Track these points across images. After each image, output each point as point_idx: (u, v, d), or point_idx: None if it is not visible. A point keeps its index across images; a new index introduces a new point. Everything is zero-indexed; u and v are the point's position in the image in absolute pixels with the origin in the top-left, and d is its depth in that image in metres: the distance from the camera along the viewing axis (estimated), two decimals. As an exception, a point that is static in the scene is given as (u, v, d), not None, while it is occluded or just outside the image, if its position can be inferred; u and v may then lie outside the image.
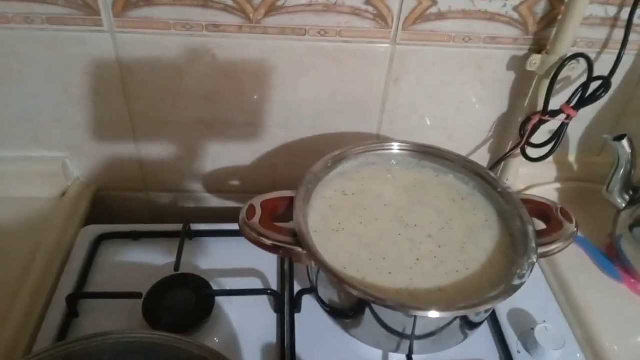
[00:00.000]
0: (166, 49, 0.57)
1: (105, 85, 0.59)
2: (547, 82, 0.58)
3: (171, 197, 0.73)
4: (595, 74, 0.58)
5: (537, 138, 0.63)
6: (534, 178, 0.71)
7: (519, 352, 0.51)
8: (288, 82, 0.61)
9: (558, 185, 0.72)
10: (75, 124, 0.63)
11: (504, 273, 0.44)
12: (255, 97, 0.62)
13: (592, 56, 0.59)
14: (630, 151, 0.58)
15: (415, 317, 0.41)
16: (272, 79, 0.60)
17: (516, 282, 0.41)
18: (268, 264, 0.59)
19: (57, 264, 0.57)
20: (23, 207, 0.64)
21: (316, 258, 0.42)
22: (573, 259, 0.63)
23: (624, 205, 0.61)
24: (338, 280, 0.41)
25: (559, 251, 0.46)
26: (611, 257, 0.64)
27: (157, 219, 0.73)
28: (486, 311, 0.47)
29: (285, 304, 0.54)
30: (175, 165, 0.69)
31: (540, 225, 0.49)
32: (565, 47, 0.57)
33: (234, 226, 0.62)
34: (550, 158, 0.71)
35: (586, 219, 0.67)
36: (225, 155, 0.68)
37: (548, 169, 0.72)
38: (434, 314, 0.38)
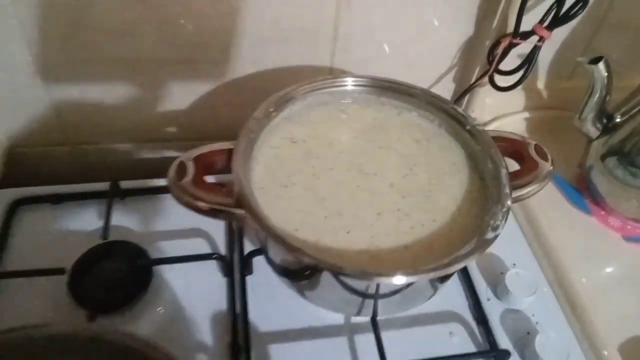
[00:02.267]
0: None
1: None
2: (520, -2, 0.51)
3: (99, 150, 0.63)
4: (571, -13, 0.51)
5: (505, 64, 0.56)
6: (500, 108, 0.66)
7: (488, 299, 0.48)
8: (222, 6, 0.51)
9: (526, 114, 0.67)
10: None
11: (475, 223, 0.39)
12: (187, 26, 0.52)
13: (568, -34, 0.52)
14: (606, 74, 0.53)
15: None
16: (201, 3, 0.50)
17: (489, 235, 0.36)
18: (214, 223, 0.52)
19: (-35, 239, 0.49)
20: None
21: (261, 223, 0.36)
22: (541, 193, 0.59)
23: (597, 134, 0.56)
24: (287, 248, 0.35)
25: (534, 193, 0.41)
26: (580, 189, 0.61)
27: (85, 177, 0.64)
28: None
29: (235, 267, 0.48)
30: (99, 114, 0.59)
31: (513, 164, 0.44)
32: (540, -44, 0.49)
33: (172, 181, 0.55)
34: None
35: (555, 149, 0.62)
36: (156, 98, 0.59)
37: (516, 98, 0.66)
38: (399, 279, 0.33)
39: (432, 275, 0.34)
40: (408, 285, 0.39)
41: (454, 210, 0.40)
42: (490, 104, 0.64)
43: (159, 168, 0.65)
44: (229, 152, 0.41)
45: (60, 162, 0.63)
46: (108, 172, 0.65)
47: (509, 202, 0.38)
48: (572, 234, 0.56)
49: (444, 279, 0.42)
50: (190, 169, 0.39)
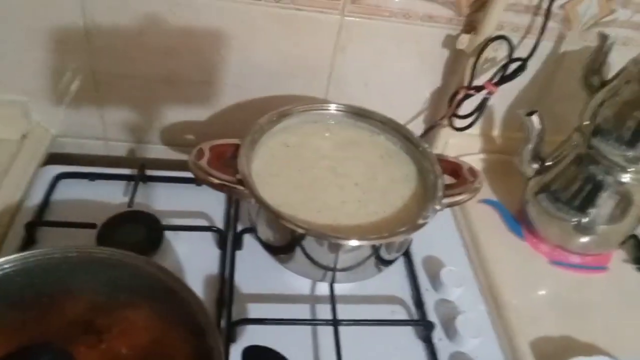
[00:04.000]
0: (128, 6, 0.61)
1: (68, 33, 0.63)
2: (473, 59, 0.66)
3: (129, 146, 0.77)
4: (517, 56, 0.66)
5: (463, 111, 0.71)
6: (461, 149, 0.79)
7: (427, 289, 0.60)
8: (243, 43, 0.66)
9: (482, 156, 0.80)
10: (38, 70, 0.66)
11: (414, 217, 0.51)
12: (213, 55, 0.66)
13: (516, 40, 0.67)
14: (540, 127, 0.67)
15: (338, 246, 0.48)
16: (228, 39, 0.65)
17: (420, 221, 0.49)
18: (216, 208, 0.65)
19: (16, 198, 0.61)
20: (-18, 147, 0.67)
21: (255, 196, 0.49)
22: (486, 219, 0.72)
23: (532, 174, 0.70)
24: (274, 214, 0.47)
25: (464, 201, 0.55)
26: (519, 219, 0.73)
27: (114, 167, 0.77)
28: (398, 249, 0.55)
29: (228, 242, 0.60)
30: (135, 117, 0.73)
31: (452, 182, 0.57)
32: (490, 29, 0.64)
33: (186, 174, 0.67)
34: (477, 131, 0.80)
35: (503, 186, 0.77)
36: (181, 110, 0.73)
37: (474, 142, 0.80)
38: (353, 242, 0.46)
39: (376, 242, 0.46)
40: (359, 263, 0.51)
41: (400, 207, 0.53)
42: (452, 144, 0.78)
43: (176, 168, 0.78)
44: (236, 147, 0.54)
45: (96, 153, 0.76)
46: (133, 165, 0.78)
47: (439, 202, 0.51)
48: (506, 252, 0.68)
49: (386, 262, 0.54)
50: (207, 154, 0.52)
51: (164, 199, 0.65)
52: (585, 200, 0.65)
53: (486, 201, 0.74)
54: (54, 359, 0.34)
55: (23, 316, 0.41)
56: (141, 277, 0.44)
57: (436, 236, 0.65)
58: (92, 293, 0.44)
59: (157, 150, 0.78)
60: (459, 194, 0.54)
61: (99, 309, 0.44)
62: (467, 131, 0.73)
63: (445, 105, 0.73)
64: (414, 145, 0.59)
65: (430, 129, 0.74)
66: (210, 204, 0.65)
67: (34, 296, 0.42)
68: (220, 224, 0.63)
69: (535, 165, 0.69)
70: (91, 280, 0.44)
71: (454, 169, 0.57)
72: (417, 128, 0.78)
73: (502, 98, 0.77)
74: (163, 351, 0.43)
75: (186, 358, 0.42)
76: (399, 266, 0.61)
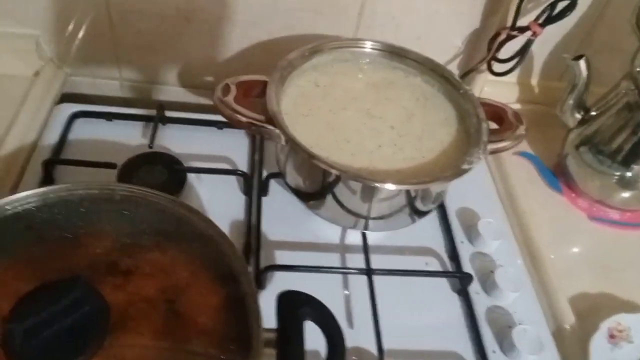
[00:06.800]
0: None
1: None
2: (518, -3, 0.60)
3: (145, 87, 0.73)
4: (565, -5, 0.60)
5: (502, 55, 0.66)
6: (497, 97, 0.73)
7: (462, 242, 0.57)
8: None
9: (519, 106, 0.76)
10: (51, 2, 0.62)
11: (455, 163, 0.48)
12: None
13: (564, -23, 0.61)
14: (586, 72, 0.62)
15: (373, 191, 0.45)
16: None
17: (465, 166, 0.45)
18: (239, 152, 0.62)
19: (31, 136, 0.59)
20: (-5, 83, 0.63)
21: (287, 135, 0.45)
22: (522, 172, 0.68)
23: (574, 124, 0.65)
24: (306, 154, 0.44)
25: (508, 148, 0.51)
26: (557, 173, 0.69)
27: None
28: (434, 199, 0.52)
29: (254, 187, 0.58)
30: (151, 56, 0.69)
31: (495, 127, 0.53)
32: (539, -36, 0.59)
33: (207, 116, 0.64)
34: (514, 80, 0.75)
35: (540, 139, 0.73)
36: (200, 49, 0.68)
37: (511, 90, 0.75)
38: (390, 186, 0.42)
39: (414, 187, 0.43)
40: (393, 212, 0.48)
41: (439, 152, 0.49)
42: (488, 92, 0.73)
43: (194, 111, 0.74)
44: (265, 83, 0.50)
45: (111, 93, 0.73)
46: (149, 107, 0.74)
47: (484, 147, 0.47)
48: (542, 206, 0.64)
49: (421, 213, 0.51)
50: (233, 90, 0.49)
51: (184, 142, 0.62)
52: (631, 152, 0.61)
53: (522, 154, 0.70)
54: (82, 296, 0.31)
55: (47, 252, 0.38)
56: (167, 218, 0.42)
57: (471, 188, 0.61)
58: (116, 233, 0.41)
59: (175, 93, 0.74)
60: (503, 140, 0.50)
61: (124, 250, 0.41)
62: (504, 79, 0.69)
63: (483, 50, 0.68)
64: (453, 88, 0.55)
65: (468, 73, 0.69)
66: (234, 148, 0.62)
67: (57, 232, 0.39)
68: (244, 168, 0.60)
69: (579, 115, 0.65)
70: (115, 219, 0.42)
71: (497, 113, 0.53)
72: (451, 74, 0.73)
73: (542, 45, 0.72)
74: (191, 296, 0.41)
75: (217, 303, 0.40)
76: (432, 217, 0.58)
